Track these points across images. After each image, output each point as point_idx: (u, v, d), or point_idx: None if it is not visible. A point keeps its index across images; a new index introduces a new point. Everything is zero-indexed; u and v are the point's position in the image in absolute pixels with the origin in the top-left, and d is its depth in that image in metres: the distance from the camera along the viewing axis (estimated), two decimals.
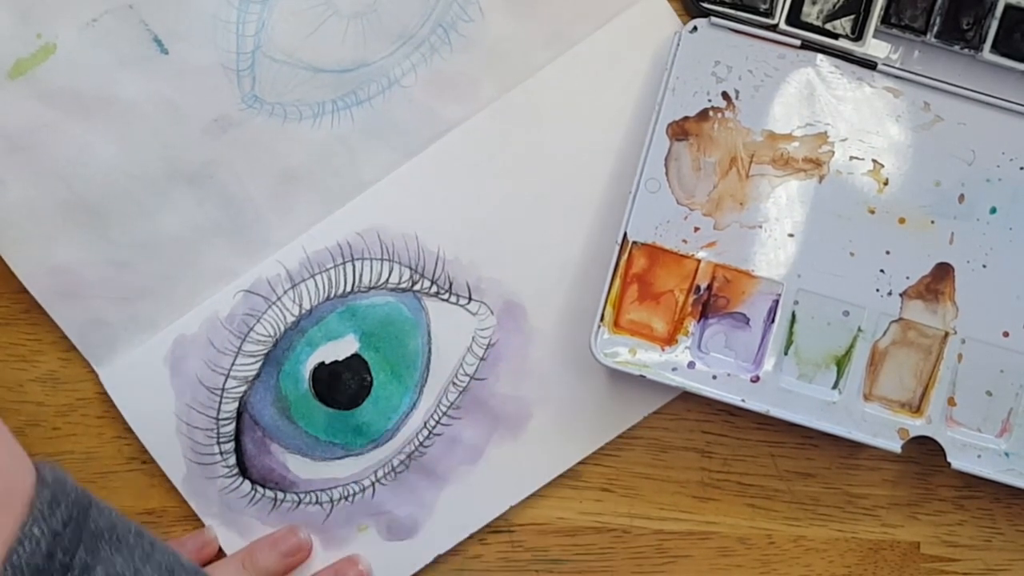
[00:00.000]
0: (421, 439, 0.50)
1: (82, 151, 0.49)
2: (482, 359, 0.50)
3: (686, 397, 0.50)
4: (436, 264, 0.50)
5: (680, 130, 0.48)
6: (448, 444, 0.50)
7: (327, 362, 0.50)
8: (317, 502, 0.50)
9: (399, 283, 0.50)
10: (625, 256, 0.48)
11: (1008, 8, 0.47)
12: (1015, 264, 0.49)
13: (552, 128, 0.50)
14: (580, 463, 0.51)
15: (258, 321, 0.50)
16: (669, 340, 0.49)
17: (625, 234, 0.48)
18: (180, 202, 0.49)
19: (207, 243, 0.50)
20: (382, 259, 0.50)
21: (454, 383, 0.50)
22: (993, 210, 0.49)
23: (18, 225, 0.49)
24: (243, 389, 0.50)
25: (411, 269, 0.50)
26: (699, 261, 0.48)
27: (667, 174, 0.48)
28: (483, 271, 0.50)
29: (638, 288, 0.49)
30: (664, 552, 0.51)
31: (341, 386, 0.50)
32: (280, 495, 0.50)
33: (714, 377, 0.48)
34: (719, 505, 0.51)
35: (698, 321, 0.49)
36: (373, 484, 0.50)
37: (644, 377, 0.48)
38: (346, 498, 0.50)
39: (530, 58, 0.50)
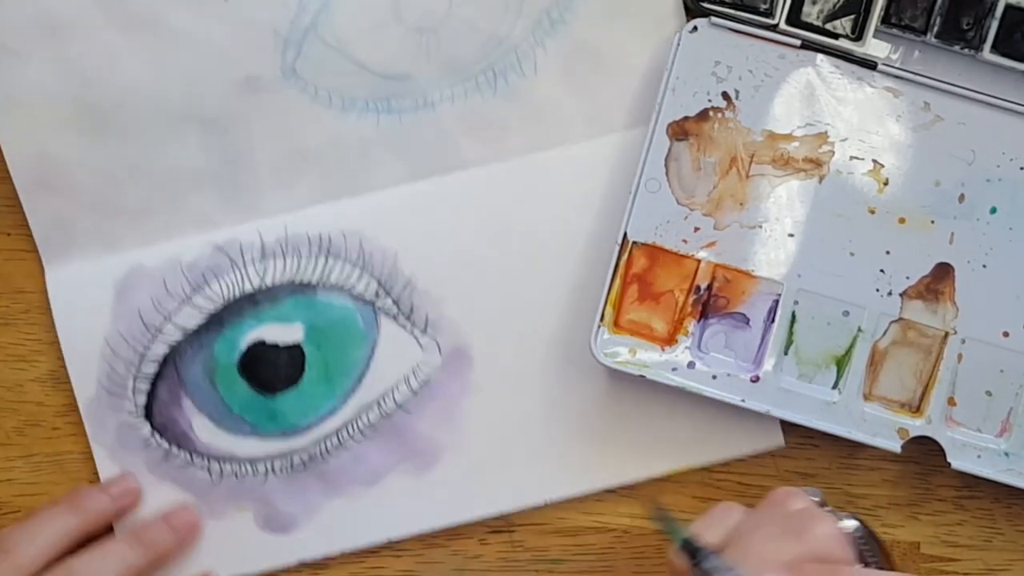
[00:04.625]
0: (329, 446, 0.50)
1: (112, 59, 0.48)
2: (414, 393, 0.50)
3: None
4: (404, 288, 0.50)
5: (680, 130, 0.48)
6: (352, 460, 0.50)
7: (267, 341, 0.50)
8: (207, 469, 0.50)
9: (363, 292, 0.50)
10: (625, 256, 0.48)
11: (1008, 8, 0.47)
12: (1015, 264, 0.49)
13: (554, 208, 0.50)
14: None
15: (217, 279, 0.49)
16: (669, 340, 0.49)
17: (625, 234, 0.48)
18: (187, 140, 0.49)
19: (198, 188, 0.49)
20: (356, 264, 0.50)
21: (379, 405, 0.50)
22: (993, 210, 0.49)
23: (24, 104, 0.49)
24: (178, 338, 0.49)
25: (379, 283, 0.50)
26: (699, 261, 0.48)
27: (667, 174, 0.48)
28: (446, 310, 0.50)
29: (638, 288, 0.49)
30: (664, 552, 0.51)
31: (271, 368, 0.50)
32: (175, 450, 0.50)
33: (714, 377, 0.48)
34: None
35: (698, 321, 0.49)
36: (267, 471, 0.50)
37: (644, 377, 0.48)
38: (236, 475, 0.50)
39: (567, 130, 0.49)
